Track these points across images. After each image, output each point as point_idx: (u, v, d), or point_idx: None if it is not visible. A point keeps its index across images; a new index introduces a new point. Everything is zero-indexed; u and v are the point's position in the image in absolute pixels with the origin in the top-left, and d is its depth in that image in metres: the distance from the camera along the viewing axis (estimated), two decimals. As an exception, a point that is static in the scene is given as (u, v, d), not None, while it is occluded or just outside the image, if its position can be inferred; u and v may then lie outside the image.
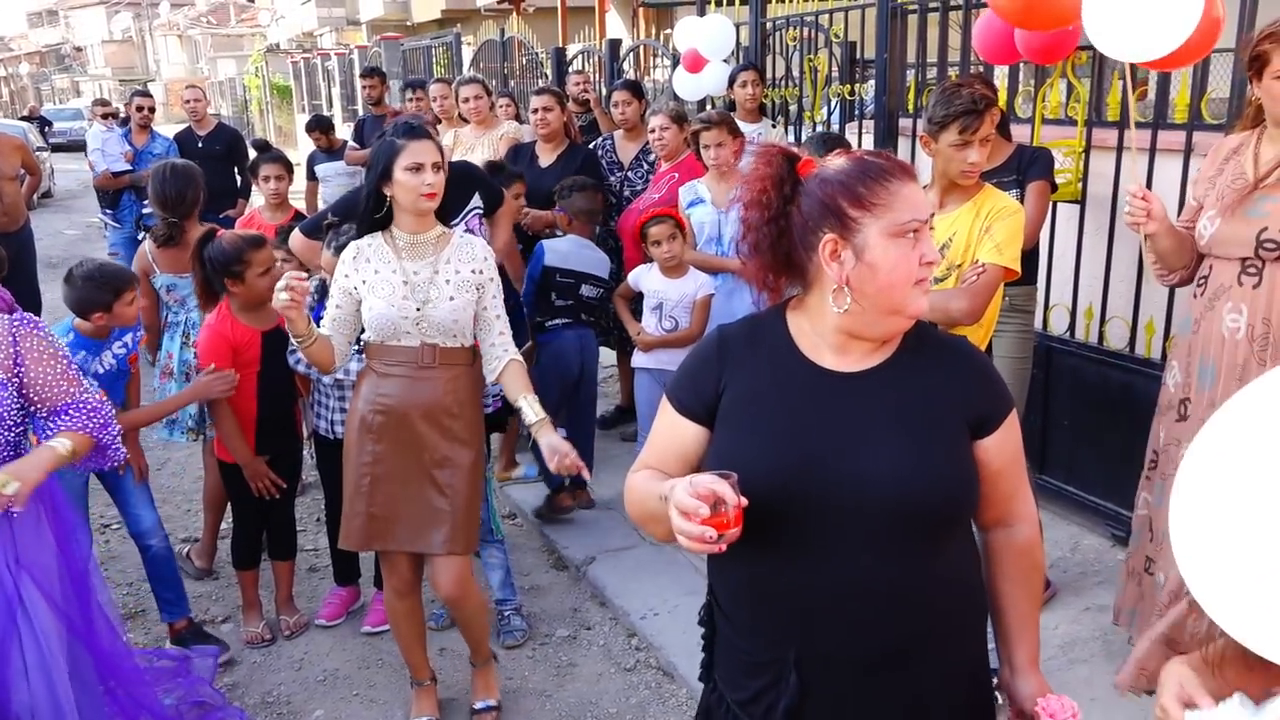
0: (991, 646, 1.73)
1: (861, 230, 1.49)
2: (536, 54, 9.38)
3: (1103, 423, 3.94)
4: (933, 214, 1.59)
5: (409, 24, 22.25)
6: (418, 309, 2.75)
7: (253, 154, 6.72)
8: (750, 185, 1.58)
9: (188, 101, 7.79)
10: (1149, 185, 3.66)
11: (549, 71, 8.75)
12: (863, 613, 1.52)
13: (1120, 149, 3.79)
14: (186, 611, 3.52)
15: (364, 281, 2.77)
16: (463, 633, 3.14)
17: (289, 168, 5.15)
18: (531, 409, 2.77)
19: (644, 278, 4.30)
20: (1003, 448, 1.60)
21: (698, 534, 1.36)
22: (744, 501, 1.38)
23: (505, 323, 2.92)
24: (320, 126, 8.05)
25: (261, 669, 3.46)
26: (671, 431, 1.66)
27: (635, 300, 4.42)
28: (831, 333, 1.57)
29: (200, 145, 7.55)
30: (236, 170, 7.59)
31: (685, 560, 3.98)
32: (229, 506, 3.82)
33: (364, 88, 8.75)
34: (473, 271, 2.83)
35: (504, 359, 2.86)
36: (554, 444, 2.67)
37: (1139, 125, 3.76)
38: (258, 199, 5.89)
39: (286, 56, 26.86)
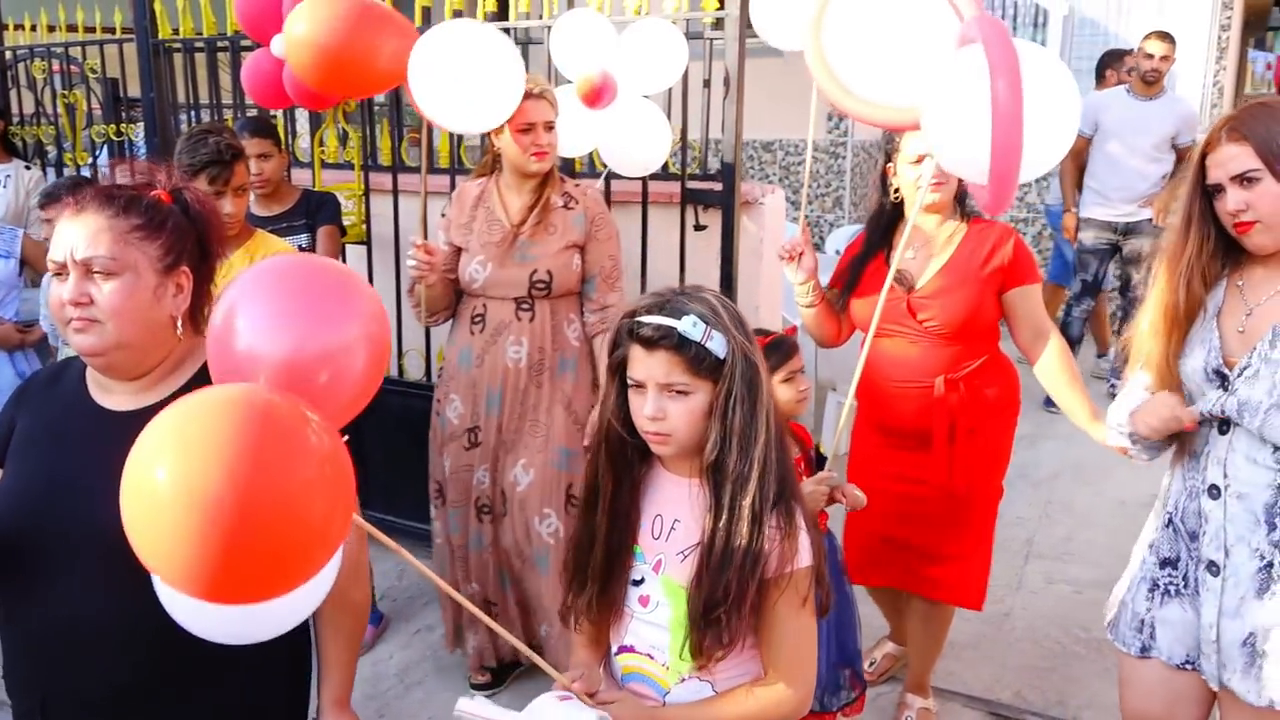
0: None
1: None
2: None
3: (409, 451, 4.11)
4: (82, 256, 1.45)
5: None
6: None
7: None
8: None
9: None
10: (426, 226, 3.95)
11: None
12: (96, 650, 1.49)
13: (396, 191, 4.02)
14: None
15: None
16: None
17: None
18: None
19: None
20: None
21: None
22: None
23: None
24: None
25: None
26: None
27: None
28: (100, 368, 1.53)
29: None
30: None
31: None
32: None
33: None
34: None
35: None
36: None
37: (411, 170, 4.05)
38: None
39: None
